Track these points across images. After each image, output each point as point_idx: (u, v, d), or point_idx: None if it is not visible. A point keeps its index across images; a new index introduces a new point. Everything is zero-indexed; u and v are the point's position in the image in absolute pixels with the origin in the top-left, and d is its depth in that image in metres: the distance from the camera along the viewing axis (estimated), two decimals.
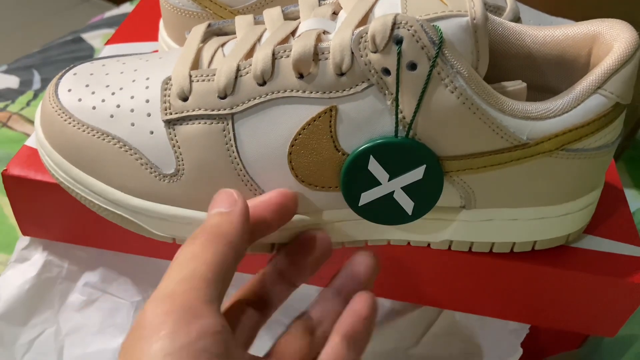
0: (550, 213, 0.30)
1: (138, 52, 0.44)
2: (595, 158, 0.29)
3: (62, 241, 0.37)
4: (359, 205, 0.28)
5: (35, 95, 0.56)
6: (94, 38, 0.63)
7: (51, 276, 0.37)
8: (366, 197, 0.28)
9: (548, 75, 0.32)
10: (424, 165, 0.27)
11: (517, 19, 0.36)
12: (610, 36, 0.28)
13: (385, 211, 0.28)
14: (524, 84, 0.30)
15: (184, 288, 0.20)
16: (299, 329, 0.26)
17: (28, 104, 0.55)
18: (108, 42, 0.45)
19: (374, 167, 0.27)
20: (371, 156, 0.27)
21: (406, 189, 0.28)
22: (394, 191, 0.28)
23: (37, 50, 0.64)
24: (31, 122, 0.53)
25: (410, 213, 0.28)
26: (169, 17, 0.38)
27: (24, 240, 0.38)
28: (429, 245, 0.32)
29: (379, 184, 0.27)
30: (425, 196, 0.28)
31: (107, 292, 0.38)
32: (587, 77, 0.27)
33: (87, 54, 0.61)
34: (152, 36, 0.44)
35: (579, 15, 0.45)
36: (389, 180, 0.27)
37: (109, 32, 0.64)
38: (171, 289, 0.20)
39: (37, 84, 0.57)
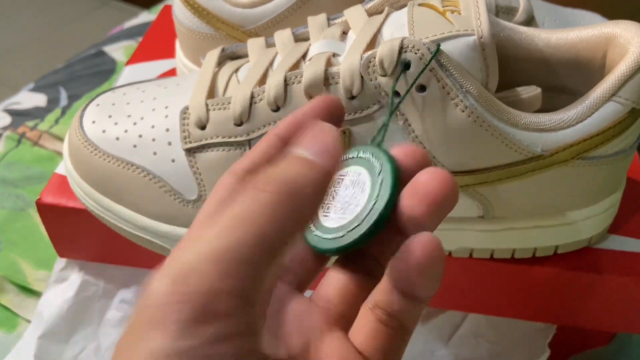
0: (570, 218, 0.30)
1: (157, 70, 0.45)
2: (613, 163, 0.29)
3: (97, 261, 0.38)
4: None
5: (63, 112, 0.57)
6: (115, 50, 0.65)
7: (89, 295, 0.39)
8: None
9: (563, 77, 0.31)
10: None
11: (530, 18, 0.36)
12: (624, 39, 0.28)
13: None
14: (539, 90, 0.30)
15: (212, 269, 0.14)
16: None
17: (57, 121, 0.56)
18: (129, 62, 0.46)
19: None
20: None
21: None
22: None
23: (62, 65, 0.66)
24: (61, 139, 0.54)
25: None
26: (184, 38, 0.39)
27: (61, 261, 0.39)
28: (450, 253, 0.32)
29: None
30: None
31: None
32: (601, 84, 0.27)
33: (110, 68, 0.63)
34: (170, 53, 0.45)
35: (594, 5, 0.44)
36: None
37: (130, 43, 0.65)
38: (194, 265, 0.14)
39: (64, 101, 0.59)
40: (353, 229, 0.20)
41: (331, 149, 0.17)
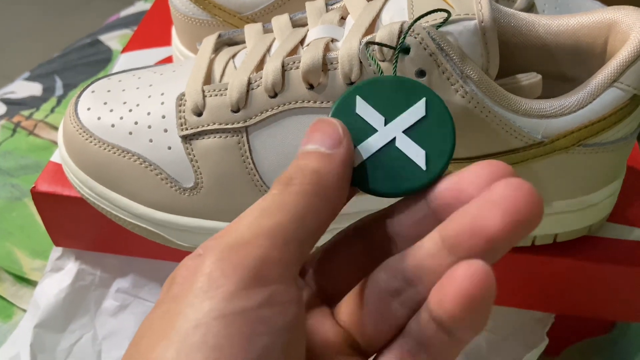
0: (570, 206, 0.30)
1: (153, 58, 0.44)
2: (614, 151, 0.28)
3: (93, 250, 0.38)
4: (355, 166, 0.20)
5: (59, 101, 0.57)
6: (111, 39, 0.64)
7: (85, 284, 0.39)
8: (362, 152, 0.20)
9: (564, 64, 0.31)
10: (424, 99, 0.21)
11: (531, 5, 0.35)
12: (626, 25, 0.28)
13: (391, 170, 0.20)
14: (539, 77, 0.29)
15: (261, 242, 0.16)
16: (379, 284, 0.19)
17: (52, 110, 0.56)
18: (124, 50, 0.45)
19: (364, 109, 0.21)
20: (357, 97, 0.21)
21: (410, 133, 0.21)
22: (395, 138, 0.20)
23: (57, 54, 0.65)
24: (56, 129, 0.54)
25: (424, 166, 0.20)
26: (180, 25, 0.38)
27: (57, 250, 0.39)
28: None
29: (374, 130, 0.20)
30: (436, 139, 0.21)
31: (139, 297, 0.39)
32: (602, 70, 0.27)
33: (106, 57, 0.62)
34: (166, 41, 0.44)
35: None
36: (385, 124, 0.21)
37: (126, 32, 0.65)
38: (245, 239, 0.16)
39: (59, 90, 0.58)
40: None
41: (342, 139, 0.19)
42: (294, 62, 0.27)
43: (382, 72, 0.23)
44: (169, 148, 0.30)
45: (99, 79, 0.34)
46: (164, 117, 0.30)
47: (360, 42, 0.26)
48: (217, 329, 0.15)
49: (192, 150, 0.29)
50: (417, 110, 0.21)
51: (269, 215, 0.17)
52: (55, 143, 0.52)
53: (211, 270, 0.16)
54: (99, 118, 0.31)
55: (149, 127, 0.30)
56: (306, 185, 0.17)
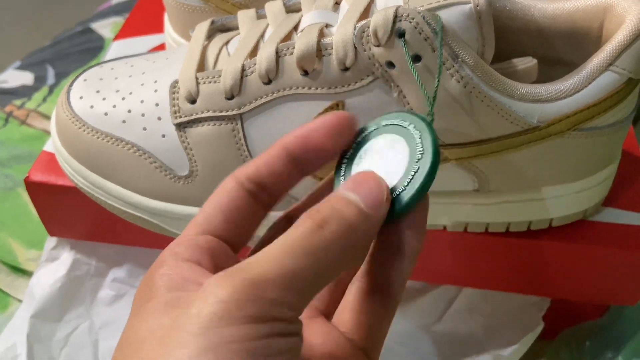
0: (565, 191, 0.30)
1: (146, 45, 0.44)
2: (609, 135, 0.28)
3: (88, 240, 0.38)
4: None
5: (51, 90, 0.56)
6: (103, 27, 0.63)
7: (80, 274, 0.38)
8: None
9: (559, 48, 0.31)
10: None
11: None
12: (622, 8, 0.27)
13: None
14: (535, 61, 0.29)
15: (281, 284, 0.17)
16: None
17: (44, 99, 0.56)
18: (116, 38, 0.45)
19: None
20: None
21: None
22: None
23: (49, 43, 0.64)
24: (49, 118, 0.53)
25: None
26: (172, 11, 0.38)
27: (52, 240, 0.39)
28: (444, 228, 0.32)
29: None
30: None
31: (135, 286, 0.39)
32: (598, 54, 0.27)
33: (98, 45, 0.61)
34: (159, 28, 0.44)
35: None
36: None
37: (117, 20, 0.64)
38: (266, 277, 0.17)
39: (51, 79, 0.58)
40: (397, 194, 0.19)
41: (383, 204, 0.19)
42: (288, 48, 0.27)
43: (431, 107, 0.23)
44: (163, 136, 0.29)
45: (91, 67, 0.33)
46: (157, 104, 0.30)
47: (355, 27, 0.26)
48: (225, 354, 0.16)
49: (187, 138, 0.29)
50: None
51: (295, 257, 0.17)
52: (48, 132, 0.51)
53: (229, 300, 0.16)
54: (91, 106, 0.31)
55: (143, 115, 0.30)
56: (338, 237, 0.18)
